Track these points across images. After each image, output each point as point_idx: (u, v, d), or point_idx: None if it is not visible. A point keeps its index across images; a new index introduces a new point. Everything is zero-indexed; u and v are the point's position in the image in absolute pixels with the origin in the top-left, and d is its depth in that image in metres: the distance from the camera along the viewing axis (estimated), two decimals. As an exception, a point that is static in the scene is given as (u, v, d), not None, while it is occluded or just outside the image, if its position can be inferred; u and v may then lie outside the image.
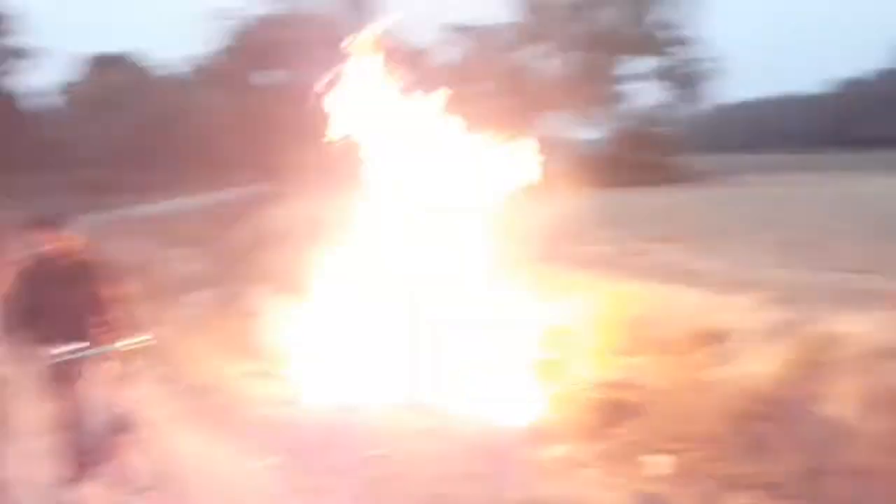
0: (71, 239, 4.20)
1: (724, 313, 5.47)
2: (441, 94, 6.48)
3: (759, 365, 4.81)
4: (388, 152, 6.61)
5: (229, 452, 5.12)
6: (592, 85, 22.85)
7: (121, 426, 4.06)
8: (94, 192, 23.95)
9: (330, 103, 6.47)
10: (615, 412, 5.27)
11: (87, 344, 3.96)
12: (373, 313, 6.46)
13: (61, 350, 3.83)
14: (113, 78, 32.35)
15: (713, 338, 5.32)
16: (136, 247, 14.60)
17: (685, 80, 23.63)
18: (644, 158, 19.61)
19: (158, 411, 5.32)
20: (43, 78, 39.56)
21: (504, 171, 6.42)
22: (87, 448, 4.01)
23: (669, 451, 4.57)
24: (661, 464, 4.49)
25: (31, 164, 27.05)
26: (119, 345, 4.02)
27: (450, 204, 6.52)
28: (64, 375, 3.96)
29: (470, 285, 6.48)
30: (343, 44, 6.63)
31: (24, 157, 27.03)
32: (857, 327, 4.55)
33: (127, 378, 4.18)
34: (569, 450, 4.90)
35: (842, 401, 4.25)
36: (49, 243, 4.12)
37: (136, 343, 4.05)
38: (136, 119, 31.08)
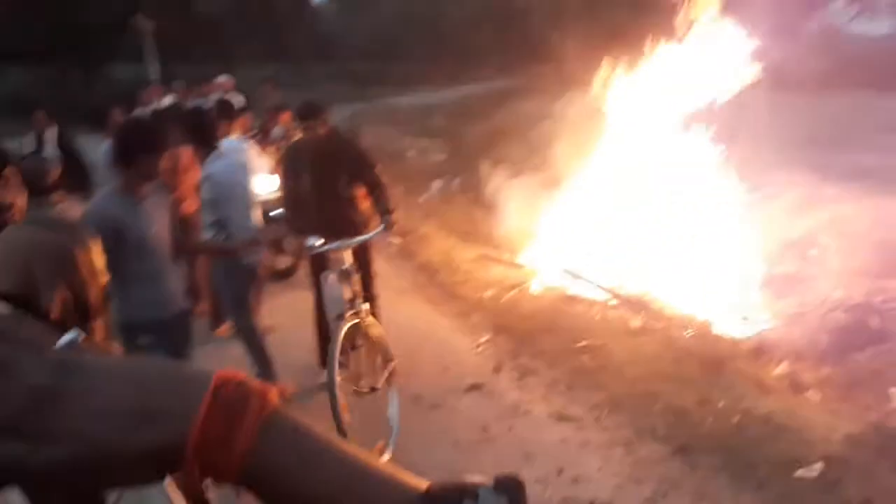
0: (327, 127, 4.30)
1: None
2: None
3: None
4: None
5: (450, 327, 5.62)
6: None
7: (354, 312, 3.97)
8: (355, 83, 26.10)
9: None
10: (857, 336, 4.82)
11: (341, 236, 3.98)
12: (610, 209, 6.51)
13: (320, 241, 3.85)
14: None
15: None
16: (390, 136, 15.85)
17: None
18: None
19: (392, 284, 5.96)
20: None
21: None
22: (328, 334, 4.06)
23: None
24: (903, 397, 4.07)
25: (302, 54, 29.97)
26: (366, 236, 4.14)
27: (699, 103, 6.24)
28: (320, 266, 4.17)
29: (718, 190, 6.22)
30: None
31: (298, 47, 29.95)
32: None
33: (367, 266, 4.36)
34: (795, 369, 4.63)
35: None
36: (307, 131, 4.26)
37: (378, 234, 4.18)
38: (399, 10, 32.66)
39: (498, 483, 0.48)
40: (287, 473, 0.48)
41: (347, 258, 3.92)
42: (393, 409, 3.91)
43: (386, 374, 3.95)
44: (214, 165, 4.38)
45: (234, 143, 4.76)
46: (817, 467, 3.38)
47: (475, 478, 0.47)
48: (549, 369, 4.79)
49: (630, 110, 6.61)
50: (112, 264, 2.55)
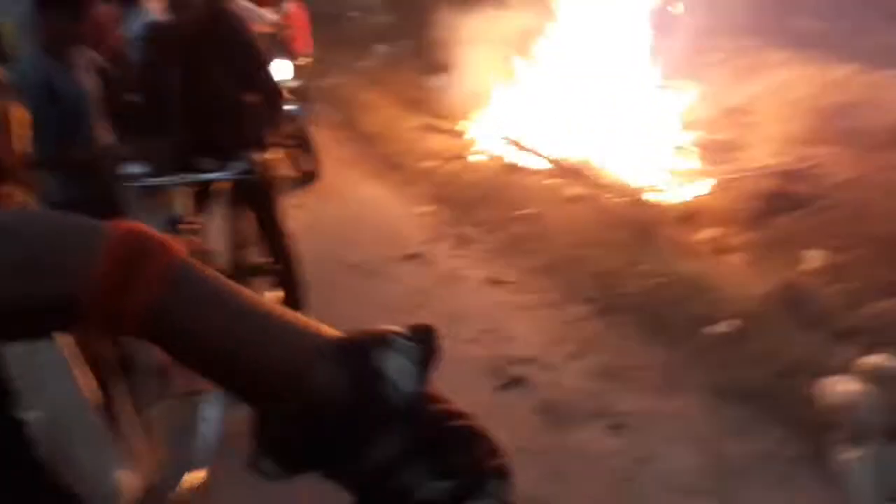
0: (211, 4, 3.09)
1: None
2: None
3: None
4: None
5: (391, 197, 5.64)
6: None
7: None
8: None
9: None
10: (780, 202, 5.01)
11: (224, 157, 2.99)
12: (554, 80, 6.43)
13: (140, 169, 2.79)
14: None
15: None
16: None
17: None
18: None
19: (333, 154, 5.89)
20: None
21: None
22: None
23: (827, 248, 4.36)
24: (814, 258, 4.32)
25: None
26: (224, 174, 2.97)
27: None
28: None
29: (660, 58, 6.18)
30: None
31: None
32: None
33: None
34: (720, 234, 4.83)
35: None
36: (179, 10, 3.07)
37: (240, 173, 2.94)
38: None
39: (413, 331, 0.46)
40: (193, 324, 0.46)
41: (184, 204, 2.84)
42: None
43: None
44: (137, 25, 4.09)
45: None
46: (726, 324, 3.63)
47: (390, 327, 0.46)
48: (486, 237, 4.91)
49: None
50: (43, 127, 2.46)
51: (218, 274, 0.49)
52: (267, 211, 3.31)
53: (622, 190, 5.34)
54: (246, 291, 0.49)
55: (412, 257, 4.56)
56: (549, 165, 5.84)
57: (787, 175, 5.13)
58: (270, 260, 3.37)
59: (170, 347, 0.48)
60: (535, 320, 3.89)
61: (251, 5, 5.06)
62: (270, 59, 3.72)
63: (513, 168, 5.92)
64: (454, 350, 3.53)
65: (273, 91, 3.26)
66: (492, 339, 3.67)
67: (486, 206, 5.29)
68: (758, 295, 3.93)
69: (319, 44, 6.85)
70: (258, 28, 5.42)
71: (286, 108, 3.96)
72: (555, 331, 3.78)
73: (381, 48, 9.65)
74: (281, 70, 4.87)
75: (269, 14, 5.82)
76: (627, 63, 6.20)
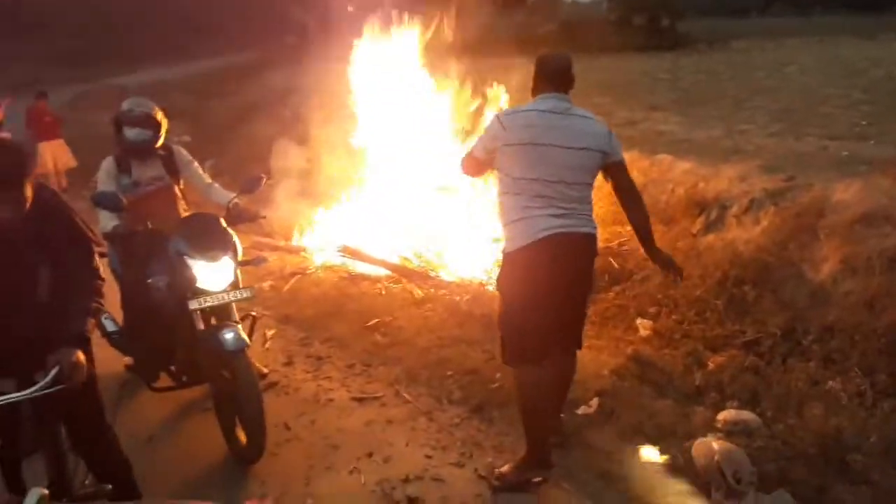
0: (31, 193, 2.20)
1: (713, 181, 5.53)
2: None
3: (745, 232, 4.94)
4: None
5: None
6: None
7: None
8: (74, 63, 23.17)
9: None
10: (603, 278, 5.47)
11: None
12: (375, 184, 6.60)
13: None
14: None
15: (702, 205, 5.43)
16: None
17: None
18: (636, 22, 18.76)
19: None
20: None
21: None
22: None
23: (654, 315, 4.80)
24: (645, 326, 4.72)
25: (4, 32, 25.86)
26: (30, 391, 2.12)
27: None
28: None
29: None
30: None
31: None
32: (842, 194, 4.64)
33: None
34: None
35: (823, 265, 4.43)
36: None
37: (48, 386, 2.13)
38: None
39: None
40: None
41: None
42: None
43: None
44: None
45: None
46: (594, 402, 3.82)
47: None
48: (341, 353, 4.79)
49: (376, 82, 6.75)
50: None
51: None
52: (89, 422, 2.60)
53: (465, 286, 5.52)
54: None
55: (269, 386, 4.29)
56: (388, 272, 5.90)
57: (607, 252, 5.63)
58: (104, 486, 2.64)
59: None
60: (412, 433, 3.80)
61: None
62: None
63: (354, 278, 5.90)
64: (339, 485, 3.33)
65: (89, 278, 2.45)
66: (373, 464, 3.52)
67: (335, 321, 5.19)
68: (610, 370, 4.20)
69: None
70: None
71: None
72: (434, 440, 3.71)
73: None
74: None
75: None
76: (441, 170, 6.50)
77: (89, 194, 3.71)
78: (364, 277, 5.88)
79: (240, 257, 3.69)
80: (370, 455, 3.58)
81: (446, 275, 5.76)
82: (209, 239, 3.52)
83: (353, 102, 6.94)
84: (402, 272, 5.81)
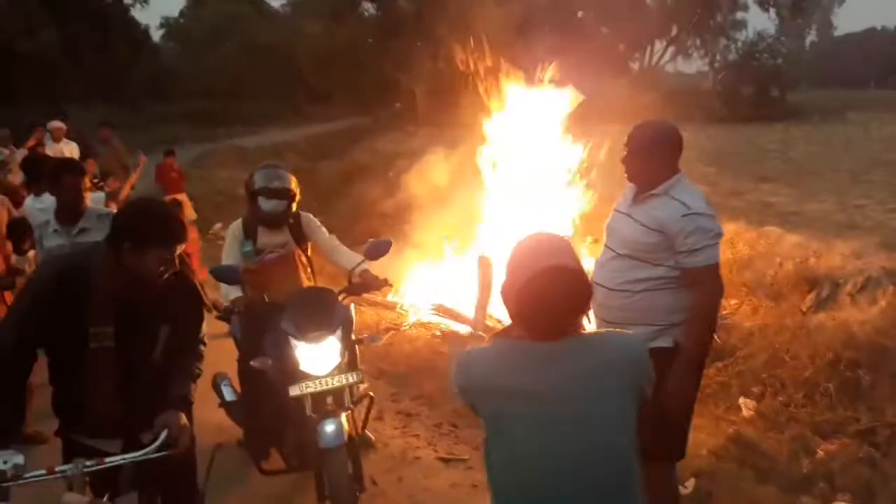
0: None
1: (825, 257, 5.28)
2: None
3: (860, 312, 4.66)
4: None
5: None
6: (697, 13, 21.44)
7: None
8: (201, 124, 25.14)
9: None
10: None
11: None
12: (473, 242, 6.72)
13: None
14: (224, 7, 33.27)
15: (812, 282, 5.17)
16: (242, 179, 15.27)
17: (794, 8, 21.75)
18: (744, 92, 18.40)
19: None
20: (156, 9, 40.64)
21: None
22: None
23: (758, 395, 4.56)
24: (749, 406, 4.49)
25: (141, 94, 28.49)
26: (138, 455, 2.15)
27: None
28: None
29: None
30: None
31: (135, 87, 28.48)
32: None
33: None
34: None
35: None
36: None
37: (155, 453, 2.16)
38: (244, 49, 31.95)
39: None
40: None
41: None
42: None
43: None
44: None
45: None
46: (690, 483, 3.64)
47: None
48: (431, 411, 4.81)
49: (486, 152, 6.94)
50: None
51: None
52: (184, 486, 2.57)
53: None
54: None
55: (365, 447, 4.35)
56: (482, 334, 5.91)
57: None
58: None
59: None
60: (497, 499, 3.74)
61: None
62: None
63: (447, 336, 5.96)
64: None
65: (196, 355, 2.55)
66: (456, 526, 3.49)
67: (425, 378, 5.23)
68: (709, 450, 4.00)
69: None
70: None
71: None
72: (519, 508, 3.64)
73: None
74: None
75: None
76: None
77: (209, 267, 3.64)
78: (457, 336, 5.93)
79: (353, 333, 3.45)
80: (453, 518, 3.55)
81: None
82: (318, 317, 3.25)
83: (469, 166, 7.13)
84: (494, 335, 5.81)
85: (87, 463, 2.07)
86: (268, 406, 3.45)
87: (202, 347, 2.55)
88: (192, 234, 9.74)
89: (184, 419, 2.28)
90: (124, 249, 2.22)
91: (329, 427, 3.09)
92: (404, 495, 3.78)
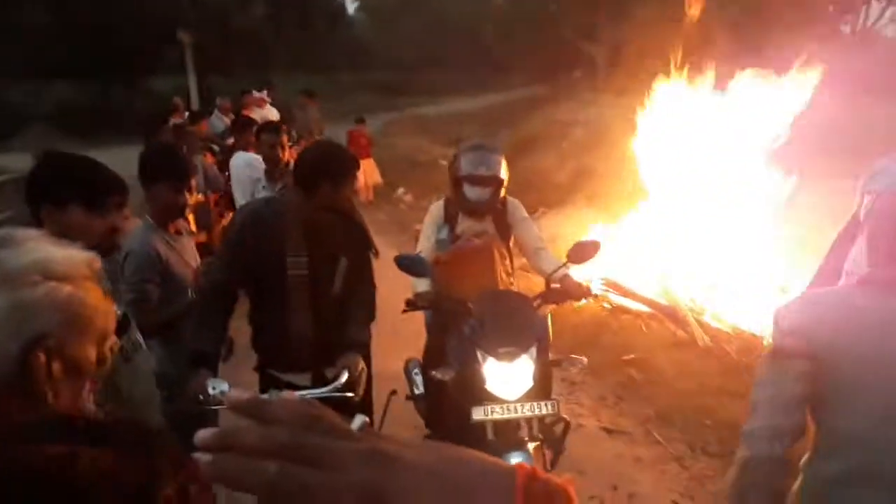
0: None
1: None
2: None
3: None
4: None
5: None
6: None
7: None
8: (387, 93, 26.39)
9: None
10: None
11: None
12: (651, 218, 6.53)
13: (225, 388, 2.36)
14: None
15: None
16: (422, 146, 15.92)
17: None
18: None
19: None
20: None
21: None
22: None
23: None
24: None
25: (336, 65, 30.37)
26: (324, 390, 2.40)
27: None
28: None
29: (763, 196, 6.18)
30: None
31: (332, 58, 30.40)
32: None
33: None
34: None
35: None
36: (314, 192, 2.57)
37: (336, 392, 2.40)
38: (431, 21, 32.88)
39: None
40: None
41: None
42: None
43: None
44: None
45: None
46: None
47: None
48: (596, 382, 4.82)
49: (666, 120, 6.64)
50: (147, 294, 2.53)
51: None
52: None
53: (735, 334, 5.20)
54: None
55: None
56: (650, 310, 5.78)
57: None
58: None
59: None
60: (660, 475, 3.70)
61: None
62: None
63: (614, 311, 5.88)
64: (581, 507, 3.37)
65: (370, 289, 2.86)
66: (616, 497, 3.51)
67: (591, 350, 5.22)
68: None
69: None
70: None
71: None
72: (683, 487, 3.58)
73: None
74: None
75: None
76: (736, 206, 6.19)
77: (395, 256, 2.99)
78: (625, 311, 5.83)
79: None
80: (615, 488, 3.57)
81: (714, 320, 5.47)
82: (511, 330, 2.77)
83: (639, 137, 6.92)
84: (665, 311, 5.65)
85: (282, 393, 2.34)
86: (448, 418, 3.06)
87: (373, 290, 2.80)
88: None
89: (361, 363, 2.54)
90: (322, 188, 2.52)
91: (513, 461, 2.71)
92: (567, 460, 3.84)
